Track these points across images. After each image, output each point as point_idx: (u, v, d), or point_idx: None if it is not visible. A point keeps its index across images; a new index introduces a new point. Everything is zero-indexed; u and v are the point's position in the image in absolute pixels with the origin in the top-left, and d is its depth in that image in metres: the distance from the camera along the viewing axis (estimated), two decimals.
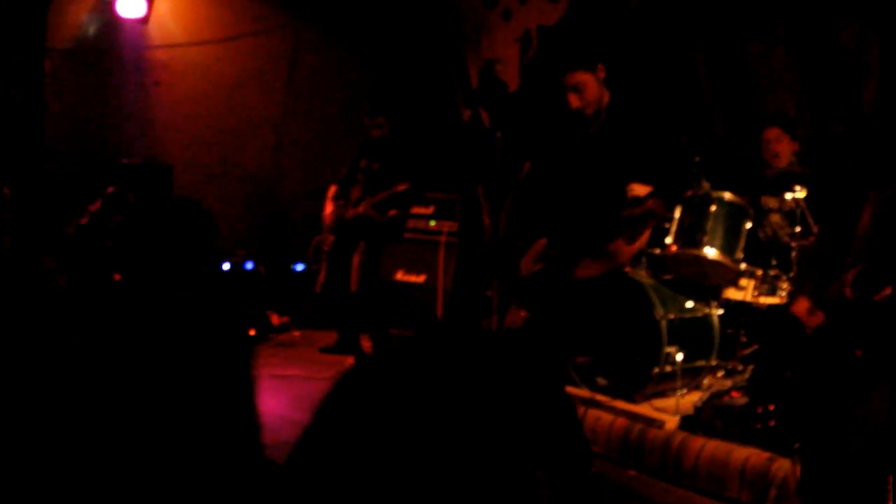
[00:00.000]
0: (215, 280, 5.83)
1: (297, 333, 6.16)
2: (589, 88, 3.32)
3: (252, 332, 5.93)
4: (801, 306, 2.30)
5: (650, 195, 3.07)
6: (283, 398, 4.52)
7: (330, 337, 5.75)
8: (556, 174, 3.39)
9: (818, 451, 2.17)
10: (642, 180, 3.17)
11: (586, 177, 3.30)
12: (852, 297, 2.12)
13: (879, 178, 2.24)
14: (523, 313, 3.07)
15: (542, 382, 3.00)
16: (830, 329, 2.23)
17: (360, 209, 4.95)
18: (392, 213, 4.94)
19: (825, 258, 2.39)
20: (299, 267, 6.51)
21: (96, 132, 6.29)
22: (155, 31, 6.43)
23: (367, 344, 5.20)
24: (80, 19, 6.21)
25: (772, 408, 3.36)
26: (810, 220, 3.99)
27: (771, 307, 4.03)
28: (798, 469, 2.30)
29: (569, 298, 3.19)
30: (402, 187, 4.75)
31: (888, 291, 2.08)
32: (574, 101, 3.31)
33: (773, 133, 4.42)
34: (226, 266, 6.24)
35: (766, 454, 3.26)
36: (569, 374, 4.01)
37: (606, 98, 3.39)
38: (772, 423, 3.33)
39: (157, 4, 6.28)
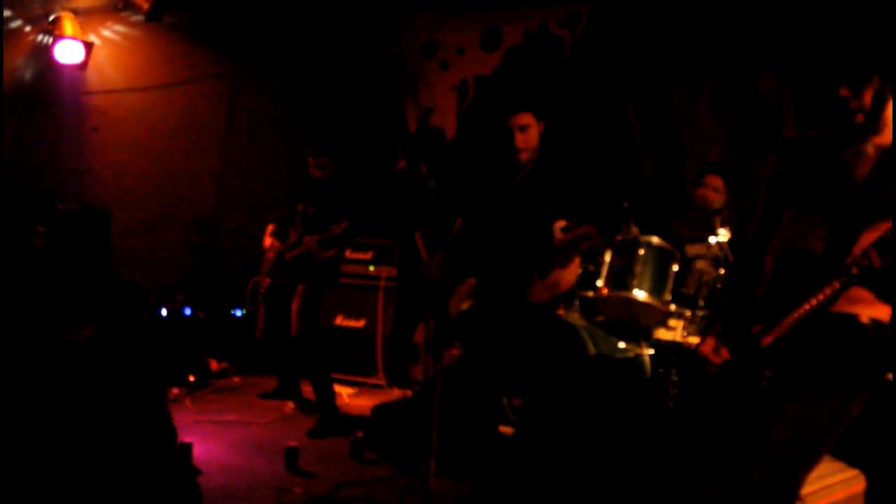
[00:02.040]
0: (145, 324, 5.79)
1: (236, 379, 6.13)
2: (531, 132, 3.54)
3: (191, 378, 5.88)
4: (707, 346, 2.42)
5: (579, 223, 3.22)
6: (220, 443, 4.49)
7: (270, 382, 5.74)
8: (484, 221, 3.52)
9: (726, 481, 2.28)
10: (568, 219, 3.32)
11: (514, 220, 3.43)
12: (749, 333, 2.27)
13: (781, 220, 2.39)
14: (455, 351, 3.15)
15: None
16: (736, 364, 2.35)
17: (303, 247, 4.97)
18: (330, 252, 4.97)
19: (732, 295, 2.52)
20: (239, 312, 6.49)
21: (32, 176, 6.22)
22: (93, 77, 6.42)
23: (307, 389, 5.21)
24: (18, 63, 6.18)
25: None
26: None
27: (696, 348, 4.18)
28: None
29: (500, 333, 3.28)
30: (342, 225, 4.78)
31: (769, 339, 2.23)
32: (519, 140, 3.51)
33: (715, 181, 4.64)
34: (164, 312, 6.19)
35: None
36: (504, 413, 4.09)
37: (536, 154, 3.61)
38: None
39: (96, 51, 6.29)
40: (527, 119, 3.55)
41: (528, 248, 3.31)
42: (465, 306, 3.28)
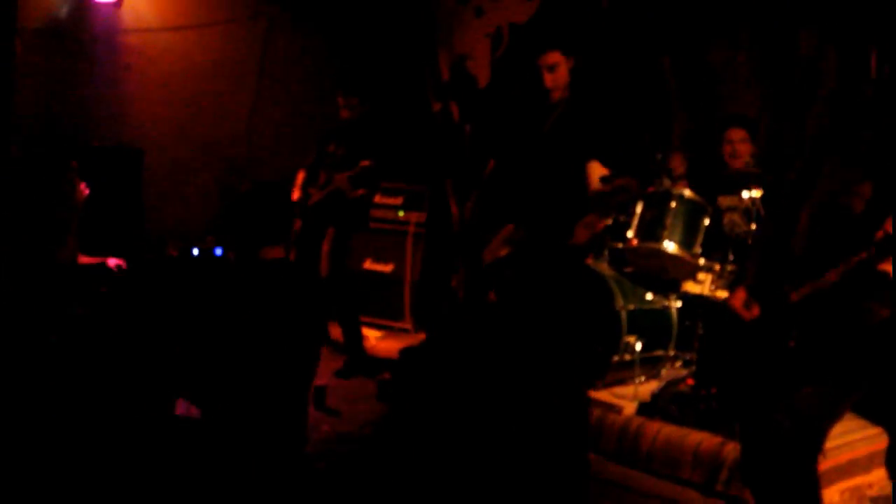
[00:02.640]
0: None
1: None
2: (560, 71, 3.44)
3: None
4: (738, 298, 2.42)
5: (616, 175, 3.17)
6: None
7: None
8: (519, 165, 3.48)
9: (753, 433, 2.30)
10: (602, 162, 3.27)
11: (548, 162, 3.39)
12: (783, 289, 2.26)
13: (817, 184, 2.36)
14: (492, 296, 3.16)
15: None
16: (765, 321, 2.35)
17: (333, 185, 4.97)
18: (360, 192, 4.97)
19: (765, 248, 2.51)
20: None
21: (65, 114, 6.26)
22: (128, 15, 6.41)
23: (335, 331, 5.27)
24: (53, 1, 6.19)
25: (714, 391, 3.53)
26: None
27: (726, 300, 4.19)
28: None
29: (543, 279, 3.26)
30: (364, 163, 4.78)
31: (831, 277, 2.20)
32: (548, 80, 3.42)
33: (737, 134, 4.60)
34: (195, 252, 6.26)
35: (718, 438, 3.42)
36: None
37: (567, 93, 3.51)
38: (714, 405, 3.49)
39: None
40: (555, 57, 3.44)
41: (566, 190, 3.27)
42: (502, 252, 3.27)
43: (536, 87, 3.47)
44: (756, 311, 2.38)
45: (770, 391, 2.30)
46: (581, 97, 3.49)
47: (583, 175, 3.25)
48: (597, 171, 3.29)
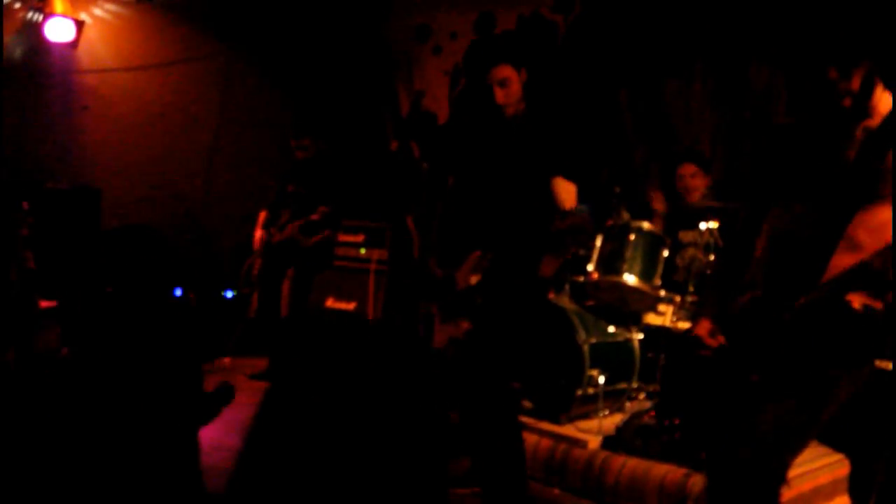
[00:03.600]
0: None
1: (227, 360, 6.13)
2: (512, 85, 3.25)
3: None
4: (703, 328, 2.43)
5: (573, 211, 3.08)
6: (213, 424, 4.49)
7: (260, 364, 5.74)
8: (479, 187, 3.34)
9: (716, 464, 2.30)
10: (566, 175, 3.13)
11: (510, 181, 3.23)
12: (742, 320, 2.28)
13: (773, 212, 2.40)
14: (465, 325, 3.08)
15: (489, 400, 3.05)
16: (729, 351, 2.36)
17: (287, 233, 4.98)
18: (317, 238, 4.98)
19: (724, 279, 2.53)
20: (229, 294, 6.48)
21: (21, 155, 6.18)
22: (84, 56, 6.38)
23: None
24: (7, 41, 6.12)
25: (677, 422, 3.54)
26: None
27: (688, 331, 4.22)
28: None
29: (511, 306, 3.18)
30: (322, 209, 4.79)
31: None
32: (499, 95, 3.23)
33: (688, 169, 4.69)
34: None
35: (683, 470, 3.42)
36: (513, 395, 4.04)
37: (523, 106, 3.33)
38: (677, 436, 3.50)
39: (87, 30, 6.24)
40: (506, 72, 3.23)
41: (531, 210, 3.14)
42: (473, 280, 3.17)
43: (489, 105, 3.25)
44: (721, 339, 2.40)
45: (733, 421, 2.31)
46: (537, 111, 3.38)
47: (549, 193, 3.13)
48: (563, 186, 3.16)
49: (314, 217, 4.79)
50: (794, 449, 2.29)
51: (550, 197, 3.14)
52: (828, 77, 2.21)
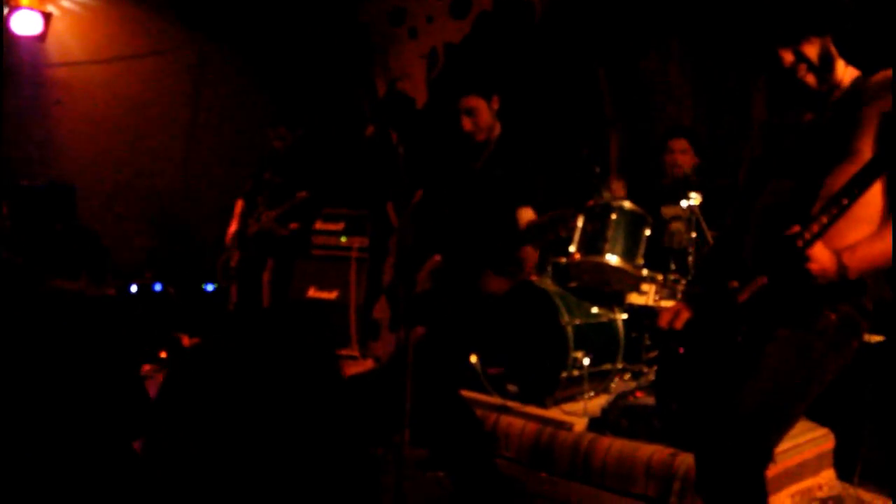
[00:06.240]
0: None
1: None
2: (481, 114, 3.32)
3: (163, 355, 5.81)
4: (673, 315, 2.46)
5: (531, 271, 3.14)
6: None
7: None
8: (448, 199, 3.41)
9: (703, 441, 2.29)
10: (532, 204, 3.19)
11: (478, 202, 3.31)
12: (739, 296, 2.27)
13: (764, 193, 2.39)
14: (420, 329, 3.09)
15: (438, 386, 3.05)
16: (711, 323, 2.35)
17: (262, 223, 4.93)
18: (293, 225, 4.93)
19: (715, 261, 2.55)
20: (210, 287, 6.42)
21: None
22: (53, 49, 6.27)
23: None
24: None
25: (674, 407, 3.52)
26: (704, 227, 4.20)
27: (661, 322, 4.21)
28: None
29: (463, 313, 3.22)
30: (301, 195, 4.74)
31: (760, 282, 2.22)
32: (467, 124, 3.31)
33: (679, 144, 4.65)
34: (133, 288, 6.10)
35: (669, 450, 3.41)
36: (466, 380, 4.06)
37: (497, 129, 3.40)
38: (673, 419, 3.48)
39: (55, 22, 6.13)
40: (472, 102, 3.31)
41: (488, 235, 3.19)
42: (427, 286, 3.22)
43: (457, 131, 3.35)
44: (685, 315, 2.42)
45: (720, 395, 2.29)
46: (511, 137, 3.40)
47: (513, 220, 3.15)
48: (528, 217, 3.21)
49: (290, 204, 4.73)
50: (782, 426, 2.28)
51: (513, 223, 3.15)
52: (785, 64, 2.22)
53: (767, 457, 2.26)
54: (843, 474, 3.68)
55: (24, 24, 5.93)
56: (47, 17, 6.04)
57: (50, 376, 2.27)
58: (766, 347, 2.22)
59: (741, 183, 2.54)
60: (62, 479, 2.17)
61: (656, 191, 4.66)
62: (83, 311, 2.48)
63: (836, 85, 2.27)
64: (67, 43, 6.33)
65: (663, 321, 2.45)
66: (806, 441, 3.63)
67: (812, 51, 2.20)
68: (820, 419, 3.73)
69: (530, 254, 3.26)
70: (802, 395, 2.24)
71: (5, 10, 5.92)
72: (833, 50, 2.23)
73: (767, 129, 2.50)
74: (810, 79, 2.23)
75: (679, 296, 4.15)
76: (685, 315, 2.43)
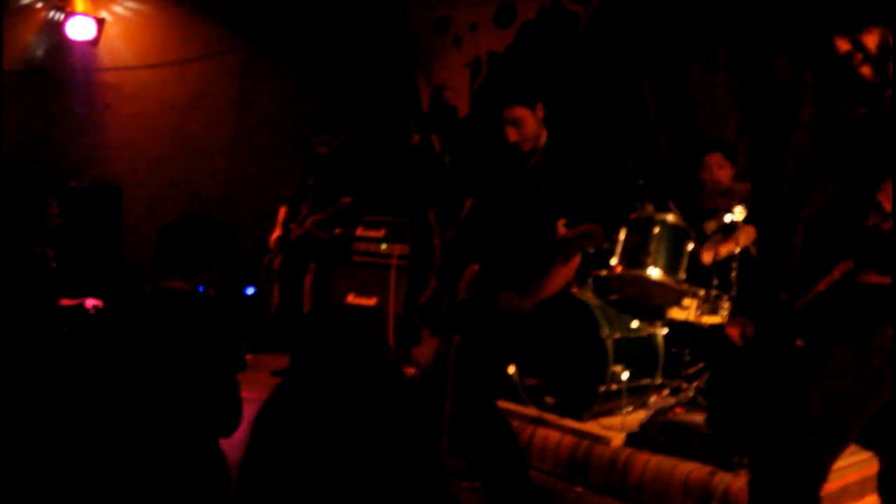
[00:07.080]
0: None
1: (249, 357, 6.13)
2: (527, 124, 3.31)
3: None
4: (735, 329, 2.41)
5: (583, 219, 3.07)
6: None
7: (282, 361, 5.74)
8: (493, 210, 3.40)
9: (758, 462, 2.25)
10: (576, 214, 3.16)
11: (520, 215, 3.30)
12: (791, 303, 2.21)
13: (810, 200, 2.33)
14: (456, 338, 3.08)
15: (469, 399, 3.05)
16: (766, 337, 2.31)
17: (305, 227, 4.97)
18: (337, 230, 4.96)
19: (767, 267, 2.50)
20: (250, 290, 6.48)
21: (44, 154, 6.22)
22: (105, 54, 6.41)
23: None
24: (29, 40, 6.16)
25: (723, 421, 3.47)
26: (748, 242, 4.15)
27: (713, 326, 4.16)
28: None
29: (496, 325, 3.19)
30: (345, 201, 4.77)
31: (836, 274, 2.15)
32: (512, 134, 3.31)
33: (714, 158, 4.60)
34: None
35: (708, 468, 3.37)
36: (503, 391, 4.03)
37: (544, 137, 3.38)
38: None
39: (108, 27, 6.27)
40: (517, 112, 3.30)
41: (526, 248, 3.17)
42: (465, 295, 3.22)
43: (503, 141, 3.34)
44: (750, 330, 2.37)
45: (772, 417, 2.25)
46: (554, 153, 3.37)
47: (553, 232, 3.13)
48: (561, 232, 3.18)
49: (335, 209, 4.76)
50: (836, 447, 2.23)
51: (553, 236, 3.11)
52: (841, 53, 2.14)
53: (823, 473, 2.20)
54: (887, 501, 3.59)
55: (79, 29, 6.07)
56: (100, 22, 6.18)
57: (160, 373, 2.34)
58: (823, 363, 2.18)
59: (790, 180, 2.47)
60: (158, 471, 2.25)
61: (697, 207, 4.62)
62: (197, 311, 2.54)
63: (891, 80, 2.17)
64: (119, 48, 6.46)
65: (736, 335, 2.39)
66: (849, 464, 3.55)
67: (871, 41, 2.11)
68: (864, 442, 3.65)
69: (558, 272, 3.22)
70: (859, 412, 2.20)
71: (60, 16, 6.06)
72: (892, 43, 2.13)
73: (817, 124, 2.42)
74: (865, 70, 2.14)
75: (723, 311, 4.11)
76: (751, 328, 2.39)
